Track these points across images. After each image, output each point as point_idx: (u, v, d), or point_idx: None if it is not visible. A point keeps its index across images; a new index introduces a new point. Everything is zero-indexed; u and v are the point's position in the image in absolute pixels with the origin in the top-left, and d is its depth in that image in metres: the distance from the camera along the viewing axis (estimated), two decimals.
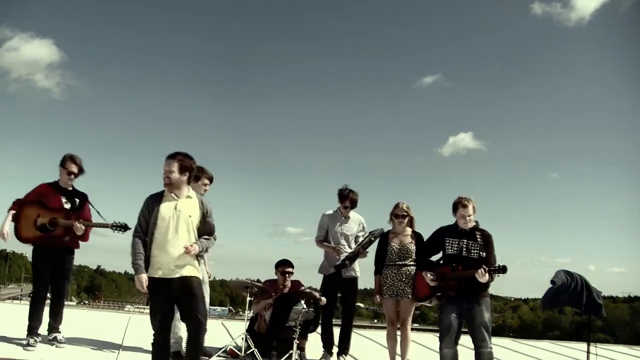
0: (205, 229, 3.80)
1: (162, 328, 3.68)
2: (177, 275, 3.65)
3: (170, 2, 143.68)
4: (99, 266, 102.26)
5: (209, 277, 5.09)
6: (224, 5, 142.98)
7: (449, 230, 4.21)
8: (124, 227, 4.44)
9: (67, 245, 4.61)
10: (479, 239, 4.10)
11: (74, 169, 4.61)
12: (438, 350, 4.18)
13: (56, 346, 4.51)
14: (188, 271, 3.69)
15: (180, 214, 3.66)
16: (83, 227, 4.52)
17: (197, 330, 3.70)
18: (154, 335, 3.70)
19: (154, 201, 3.69)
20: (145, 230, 3.66)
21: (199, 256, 3.81)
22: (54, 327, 4.64)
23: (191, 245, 3.64)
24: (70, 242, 4.61)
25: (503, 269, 3.90)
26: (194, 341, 3.72)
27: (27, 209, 4.53)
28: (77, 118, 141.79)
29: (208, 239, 3.83)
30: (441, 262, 4.24)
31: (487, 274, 3.88)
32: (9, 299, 51.09)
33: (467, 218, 4.13)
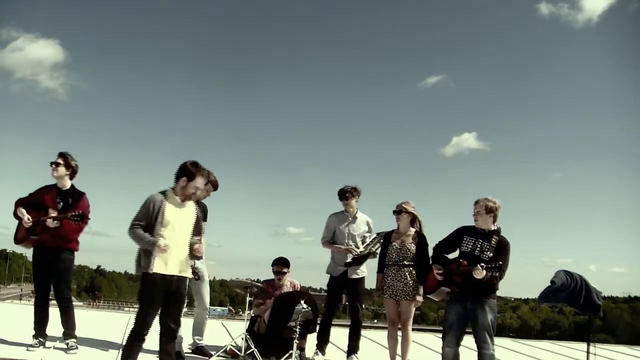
0: (198, 229, 3.92)
1: (149, 324, 3.71)
2: (176, 274, 3.73)
3: (174, 1, 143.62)
4: (99, 266, 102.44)
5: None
6: (225, 2, 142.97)
7: (469, 229, 4.24)
8: (79, 217, 4.47)
9: (56, 244, 4.55)
10: (493, 242, 4.11)
11: (60, 160, 4.61)
12: (439, 349, 4.19)
13: (67, 353, 4.47)
14: (186, 272, 3.81)
15: (184, 216, 3.78)
16: (50, 221, 4.47)
17: (176, 329, 3.83)
18: (136, 327, 3.69)
19: (160, 201, 3.74)
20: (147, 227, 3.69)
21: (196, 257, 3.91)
22: (67, 333, 4.61)
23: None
24: (55, 240, 4.53)
25: (498, 268, 3.92)
26: (171, 341, 3.84)
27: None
28: (81, 118, 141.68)
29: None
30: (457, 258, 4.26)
31: (484, 271, 3.90)
32: (8, 298, 51.10)
33: (475, 214, 4.17)
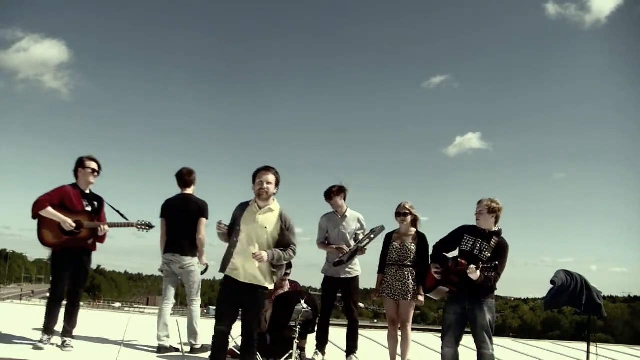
0: (283, 241, 3.89)
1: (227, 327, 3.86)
2: (247, 281, 3.83)
3: (177, 2, 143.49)
4: (99, 266, 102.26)
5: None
6: (227, 3, 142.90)
7: (470, 228, 4.23)
8: (148, 226, 4.55)
9: (87, 247, 4.57)
10: (492, 243, 4.10)
11: (96, 166, 4.57)
12: (439, 350, 4.19)
13: (62, 350, 4.46)
14: (258, 280, 3.87)
15: (257, 225, 3.82)
16: (107, 228, 4.50)
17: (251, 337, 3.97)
18: (215, 333, 3.86)
19: (241, 209, 3.86)
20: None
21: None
22: (67, 330, 4.58)
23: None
24: (91, 244, 4.58)
25: (493, 268, 3.91)
26: (248, 349, 3.95)
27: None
28: (84, 119, 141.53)
29: (284, 250, 3.91)
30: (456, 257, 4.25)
31: (477, 272, 3.89)
32: (9, 298, 51.09)
33: (478, 214, 4.16)
